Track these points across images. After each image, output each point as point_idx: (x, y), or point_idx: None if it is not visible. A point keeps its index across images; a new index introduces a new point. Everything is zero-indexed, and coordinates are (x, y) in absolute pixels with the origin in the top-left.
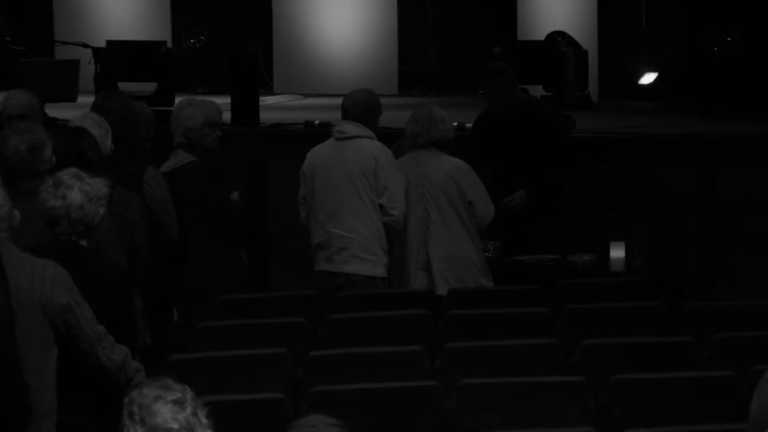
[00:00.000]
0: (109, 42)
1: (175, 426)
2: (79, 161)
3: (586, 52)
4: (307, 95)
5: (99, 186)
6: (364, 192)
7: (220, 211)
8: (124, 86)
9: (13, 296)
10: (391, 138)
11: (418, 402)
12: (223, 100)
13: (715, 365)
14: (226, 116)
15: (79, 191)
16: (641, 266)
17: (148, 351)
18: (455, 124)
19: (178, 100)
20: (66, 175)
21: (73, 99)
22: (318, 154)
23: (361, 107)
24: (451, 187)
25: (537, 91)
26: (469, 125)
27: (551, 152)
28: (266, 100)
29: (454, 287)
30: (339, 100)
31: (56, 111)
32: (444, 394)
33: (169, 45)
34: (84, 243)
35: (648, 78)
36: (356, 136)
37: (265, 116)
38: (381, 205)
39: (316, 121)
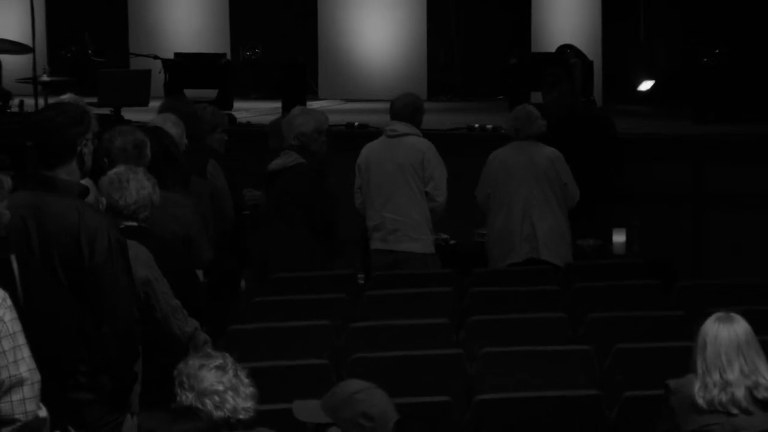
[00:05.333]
0: (176, 54)
1: (221, 388)
2: (165, 156)
3: (591, 63)
4: (348, 100)
5: (147, 172)
6: (413, 181)
7: (324, 213)
8: (189, 93)
9: None
10: None
11: (445, 368)
12: (275, 105)
13: None
14: None
15: (145, 179)
16: (640, 251)
17: (213, 324)
18: (476, 125)
19: (235, 104)
20: (125, 172)
21: (146, 104)
22: (372, 149)
23: (409, 109)
24: (552, 172)
25: None
26: (489, 127)
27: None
28: (312, 105)
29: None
30: (376, 105)
31: (131, 114)
32: (468, 361)
33: (228, 57)
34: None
35: (645, 85)
36: (405, 134)
37: None
38: (427, 193)
39: (356, 123)
